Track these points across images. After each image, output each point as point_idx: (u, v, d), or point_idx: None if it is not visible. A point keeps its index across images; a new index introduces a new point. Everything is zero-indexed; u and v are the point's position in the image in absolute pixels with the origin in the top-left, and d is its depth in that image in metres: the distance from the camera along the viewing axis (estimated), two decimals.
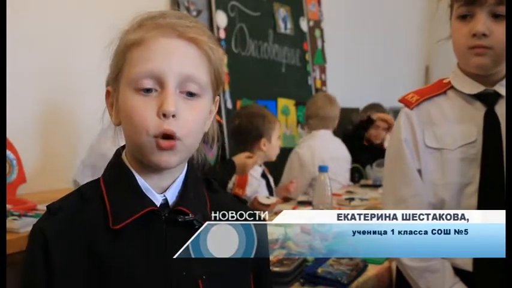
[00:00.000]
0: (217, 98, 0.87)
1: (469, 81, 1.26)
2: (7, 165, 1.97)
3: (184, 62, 0.78)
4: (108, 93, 0.84)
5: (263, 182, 2.61)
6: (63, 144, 2.34)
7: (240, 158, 2.37)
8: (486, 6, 1.17)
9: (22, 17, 2.12)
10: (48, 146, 2.28)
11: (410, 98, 1.32)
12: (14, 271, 0.97)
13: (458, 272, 1.23)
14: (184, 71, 0.77)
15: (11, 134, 1.85)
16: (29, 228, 1.58)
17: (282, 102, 3.65)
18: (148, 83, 0.76)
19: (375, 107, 3.63)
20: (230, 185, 2.47)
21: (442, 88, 1.31)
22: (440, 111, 1.29)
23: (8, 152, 1.99)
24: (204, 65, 0.80)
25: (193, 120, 0.79)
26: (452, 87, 1.30)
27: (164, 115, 0.75)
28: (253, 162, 2.39)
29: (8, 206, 1.76)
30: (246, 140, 2.56)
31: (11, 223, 1.63)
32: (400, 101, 1.34)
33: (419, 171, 1.27)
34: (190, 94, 0.78)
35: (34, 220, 1.64)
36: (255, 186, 2.53)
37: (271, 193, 2.64)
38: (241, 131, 2.55)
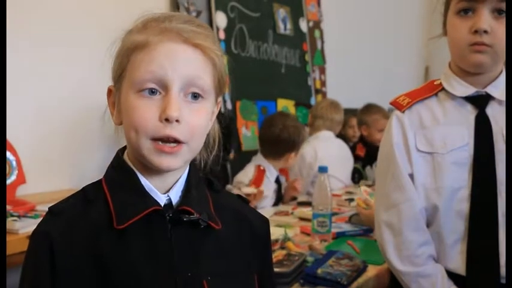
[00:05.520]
0: (220, 99, 0.87)
1: (460, 82, 1.24)
2: (7, 166, 1.97)
3: (189, 65, 0.77)
4: (110, 92, 0.84)
5: (274, 186, 2.63)
6: (63, 145, 2.34)
7: None
8: (489, 2, 1.14)
9: (22, 18, 2.12)
10: (48, 147, 2.28)
11: (402, 100, 1.30)
12: (14, 272, 0.97)
13: (452, 276, 1.22)
14: (188, 75, 0.77)
15: (10, 135, 1.85)
16: (29, 229, 1.60)
17: (281, 102, 3.65)
18: (151, 85, 0.76)
19: (369, 108, 3.66)
20: (246, 181, 2.49)
21: (433, 90, 1.29)
22: (431, 114, 1.27)
23: (8, 153, 1.99)
24: (208, 70, 0.79)
25: (197, 123, 0.78)
26: (443, 89, 1.28)
27: (167, 120, 0.74)
28: None
29: (8, 207, 1.76)
30: (278, 150, 2.62)
31: (10, 224, 1.63)
32: (392, 103, 1.32)
33: (411, 175, 1.25)
34: (194, 97, 0.78)
35: (34, 221, 1.66)
36: (269, 187, 2.56)
37: (278, 199, 2.67)
38: (277, 141, 2.59)
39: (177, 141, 0.76)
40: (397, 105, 1.30)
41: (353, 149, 3.57)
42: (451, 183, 1.21)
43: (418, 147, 1.25)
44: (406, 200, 1.24)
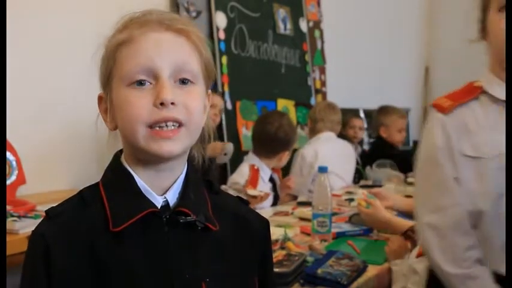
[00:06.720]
0: (210, 92, 0.86)
1: (502, 85, 1.21)
2: (7, 166, 1.97)
3: (175, 52, 0.78)
4: (100, 99, 0.84)
5: (269, 186, 2.63)
6: (63, 145, 2.34)
7: None
8: None
9: (23, 18, 2.12)
10: (48, 147, 2.28)
11: (444, 103, 1.26)
12: (14, 272, 0.97)
13: (498, 278, 1.20)
14: (176, 61, 0.77)
15: (11, 135, 1.85)
16: (29, 230, 1.60)
17: (281, 103, 3.66)
18: (141, 77, 0.76)
19: (385, 109, 3.68)
20: (242, 182, 2.49)
21: (474, 93, 1.26)
22: (474, 117, 1.23)
23: (8, 153, 1.99)
24: (194, 55, 0.80)
25: (193, 104, 0.78)
26: (484, 92, 1.24)
27: (162, 104, 0.74)
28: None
29: (8, 207, 1.76)
30: (273, 148, 2.61)
31: (10, 224, 1.63)
32: (433, 105, 1.28)
33: (456, 179, 1.22)
34: (184, 82, 0.78)
35: (34, 221, 1.66)
36: (264, 187, 2.56)
37: (276, 197, 2.66)
38: (273, 139, 2.59)
39: (177, 122, 0.75)
40: (439, 107, 1.27)
41: (376, 149, 3.60)
42: (497, 188, 1.18)
43: (463, 151, 1.23)
44: (452, 204, 1.22)
